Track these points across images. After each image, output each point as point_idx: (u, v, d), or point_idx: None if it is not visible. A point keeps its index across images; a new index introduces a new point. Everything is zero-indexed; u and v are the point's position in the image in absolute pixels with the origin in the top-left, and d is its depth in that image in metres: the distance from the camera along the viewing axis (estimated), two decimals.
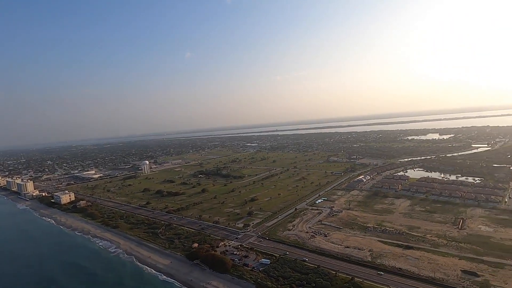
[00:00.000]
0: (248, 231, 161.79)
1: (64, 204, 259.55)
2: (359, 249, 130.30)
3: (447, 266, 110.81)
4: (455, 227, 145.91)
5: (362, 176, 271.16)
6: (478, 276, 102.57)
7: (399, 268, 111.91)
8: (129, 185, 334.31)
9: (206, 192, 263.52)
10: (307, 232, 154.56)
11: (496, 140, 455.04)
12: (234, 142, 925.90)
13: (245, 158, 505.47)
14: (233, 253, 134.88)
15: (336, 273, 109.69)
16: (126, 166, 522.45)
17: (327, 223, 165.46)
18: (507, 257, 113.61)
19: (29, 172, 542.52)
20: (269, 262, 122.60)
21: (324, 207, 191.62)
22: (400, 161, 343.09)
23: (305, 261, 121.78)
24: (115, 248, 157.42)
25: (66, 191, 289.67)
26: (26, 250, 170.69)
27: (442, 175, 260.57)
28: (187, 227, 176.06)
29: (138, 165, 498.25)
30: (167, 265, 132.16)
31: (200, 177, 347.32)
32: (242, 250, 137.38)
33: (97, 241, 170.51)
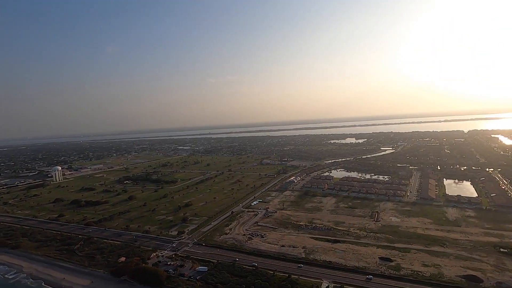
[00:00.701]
0: (183, 239, 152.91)
1: None
2: (293, 247, 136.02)
3: (367, 255, 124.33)
4: (372, 219, 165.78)
5: (293, 177, 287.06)
6: (391, 261, 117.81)
7: (329, 261, 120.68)
8: (35, 195, 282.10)
9: (133, 200, 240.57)
10: (244, 234, 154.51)
11: (398, 143, 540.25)
12: (164, 145, 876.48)
13: (177, 162, 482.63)
14: (167, 264, 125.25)
15: (273, 273, 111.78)
16: (31, 174, 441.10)
17: (263, 224, 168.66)
18: (411, 242, 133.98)
19: None
20: (206, 270, 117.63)
21: (260, 209, 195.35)
22: (325, 163, 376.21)
23: (241, 263, 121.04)
24: (15, 273, 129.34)
25: None
26: None
27: (360, 175, 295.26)
28: (111, 240, 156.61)
29: (47, 171, 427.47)
30: (87, 286, 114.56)
31: (126, 183, 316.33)
32: (177, 260, 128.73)
33: None
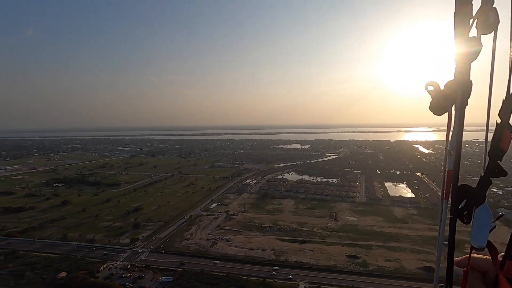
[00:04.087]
0: (137, 247, 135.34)
1: None
2: (262, 249, 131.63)
3: (335, 253, 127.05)
4: (331, 219, 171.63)
5: (249, 180, 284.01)
6: (358, 258, 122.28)
7: (301, 262, 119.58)
8: None
9: (69, 205, 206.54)
10: (207, 239, 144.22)
11: (339, 150, 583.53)
12: (100, 145, 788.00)
13: (118, 163, 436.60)
14: (122, 276, 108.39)
15: (247, 278, 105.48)
16: None
17: (225, 227, 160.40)
18: (371, 239, 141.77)
19: None
20: (171, 279, 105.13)
21: (220, 212, 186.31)
22: (277, 166, 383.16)
23: (209, 270, 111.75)
24: None
25: None
26: None
27: (312, 177, 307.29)
28: (44, 253, 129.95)
29: None
30: None
31: (57, 186, 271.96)
32: (134, 271, 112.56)
33: None
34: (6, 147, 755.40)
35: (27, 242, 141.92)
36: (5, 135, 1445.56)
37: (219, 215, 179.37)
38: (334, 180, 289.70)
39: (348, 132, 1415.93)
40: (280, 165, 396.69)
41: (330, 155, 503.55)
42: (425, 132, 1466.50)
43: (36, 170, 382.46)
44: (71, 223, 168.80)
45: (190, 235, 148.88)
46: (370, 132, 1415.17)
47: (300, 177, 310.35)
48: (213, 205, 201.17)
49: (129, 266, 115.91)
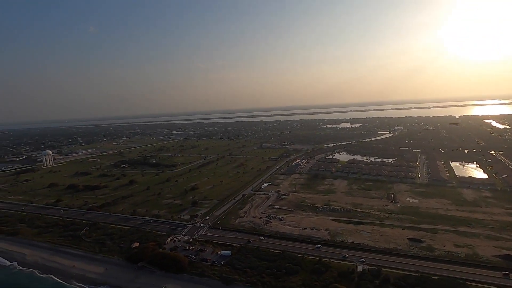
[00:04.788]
0: (196, 223, 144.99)
1: None
2: (316, 229, 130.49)
3: (395, 236, 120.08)
4: (389, 201, 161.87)
5: (298, 160, 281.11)
6: (422, 242, 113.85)
7: (358, 243, 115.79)
8: (27, 180, 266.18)
9: (135, 184, 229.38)
10: (260, 217, 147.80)
11: (394, 128, 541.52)
12: (156, 130, 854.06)
13: (173, 146, 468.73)
14: (186, 249, 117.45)
15: (303, 256, 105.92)
16: (18, 158, 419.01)
17: (278, 206, 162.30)
18: (437, 223, 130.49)
19: None
20: (230, 254, 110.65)
21: (271, 192, 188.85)
22: (327, 146, 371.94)
23: (265, 246, 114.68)
24: (19, 262, 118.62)
25: None
26: None
27: (365, 157, 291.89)
28: (119, 225, 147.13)
29: (36, 156, 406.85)
30: (102, 273, 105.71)
31: (124, 167, 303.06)
32: (196, 244, 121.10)
33: None
34: (81, 133, 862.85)
35: (105, 216, 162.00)
36: (79, 123, 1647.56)
37: (271, 195, 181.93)
38: (390, 160, 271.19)
39: (403, 108, 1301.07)
40: (329, 145, 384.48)
41: (384, 134, 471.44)
42: (499, 105, 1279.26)
43: (106, 153, 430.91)
44: (138, 200, 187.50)
45: (244, 213, 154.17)
46: (429, 107, 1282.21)
47: (352, 157, 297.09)
48: (264, 185, 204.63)
49: (191, 240, 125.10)
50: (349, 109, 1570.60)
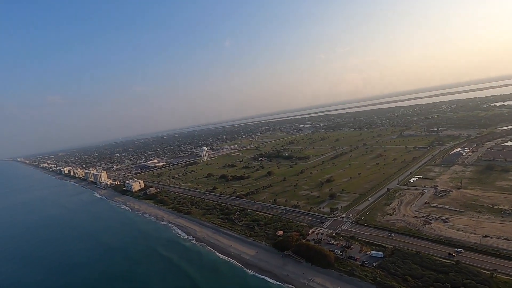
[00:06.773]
0: (337, 216, 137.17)
1: (136, 191, 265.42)
2: (506, 239, 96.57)
3: None
4: None
5: (459, 148, 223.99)
6: None
7: None
8: (192, 171, 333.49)
9: (272, 175, 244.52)
10: (415, 216, 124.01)
11: None
12: (285, 125, 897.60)
13: (302, 139, 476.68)
14: (329, 243, 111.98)
15: (492, 273, 79.50)
16: (185, 154, 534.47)
17: (437, 205, 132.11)
18: None
19: (102, 164, 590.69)
20: (382, 255, 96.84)
21: (424, 186, 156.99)
22: (499, 130, 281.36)
23: (428, 253, 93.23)
24: (192, 236, 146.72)
25: (136, 179, 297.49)
26: (113, 238, 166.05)
27: None
28: (263, 212, 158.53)
29: (196, 152, 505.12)
30: (253, 256, 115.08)
31: (261, 160, 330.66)
32: (340, 240, 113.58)
33: (173, 228, 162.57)
34: (225, 132, 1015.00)
35: (250, 203, 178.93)
36: (224, 124, 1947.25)
37: (425, 190, 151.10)
38: None
39: None
40: (503, 128, 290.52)
41: None
42: None
43: (245, 148, 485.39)
44: (276, 190, 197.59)
45: (393, 210, 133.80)
46: None
47: None
48: (413, 179, 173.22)
49: (334, 234, 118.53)
50: (503, 82, 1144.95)
